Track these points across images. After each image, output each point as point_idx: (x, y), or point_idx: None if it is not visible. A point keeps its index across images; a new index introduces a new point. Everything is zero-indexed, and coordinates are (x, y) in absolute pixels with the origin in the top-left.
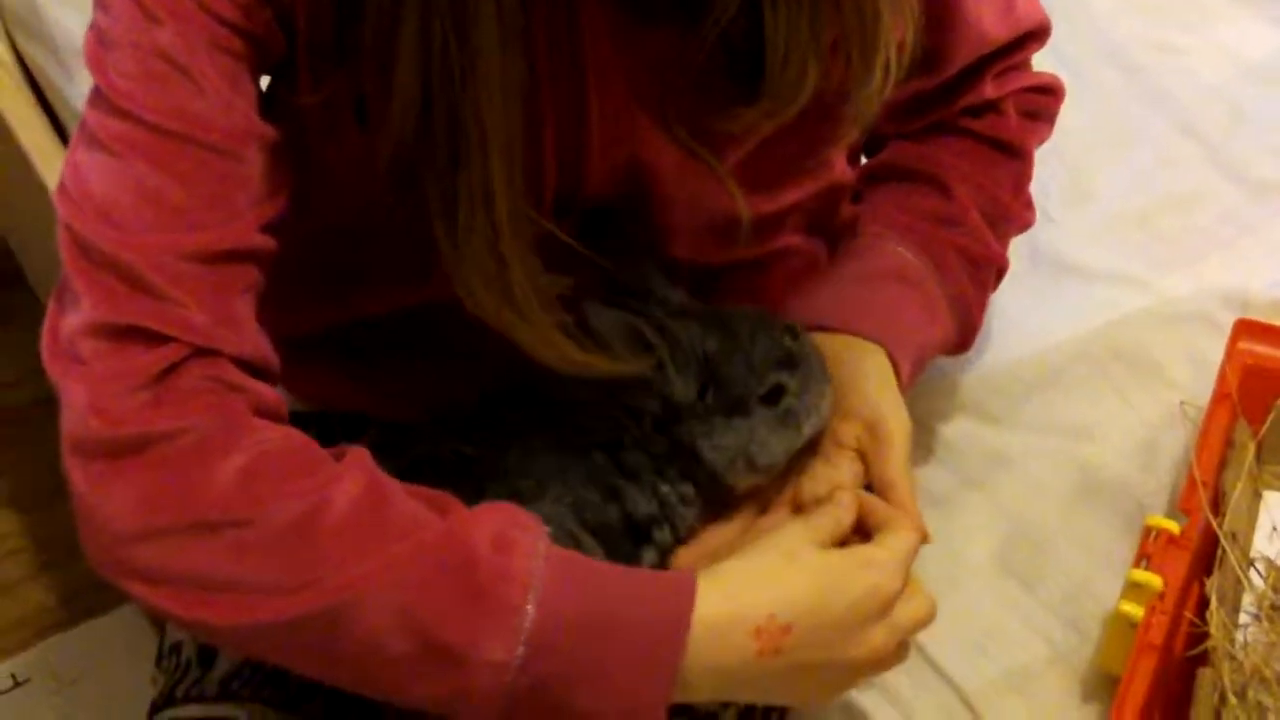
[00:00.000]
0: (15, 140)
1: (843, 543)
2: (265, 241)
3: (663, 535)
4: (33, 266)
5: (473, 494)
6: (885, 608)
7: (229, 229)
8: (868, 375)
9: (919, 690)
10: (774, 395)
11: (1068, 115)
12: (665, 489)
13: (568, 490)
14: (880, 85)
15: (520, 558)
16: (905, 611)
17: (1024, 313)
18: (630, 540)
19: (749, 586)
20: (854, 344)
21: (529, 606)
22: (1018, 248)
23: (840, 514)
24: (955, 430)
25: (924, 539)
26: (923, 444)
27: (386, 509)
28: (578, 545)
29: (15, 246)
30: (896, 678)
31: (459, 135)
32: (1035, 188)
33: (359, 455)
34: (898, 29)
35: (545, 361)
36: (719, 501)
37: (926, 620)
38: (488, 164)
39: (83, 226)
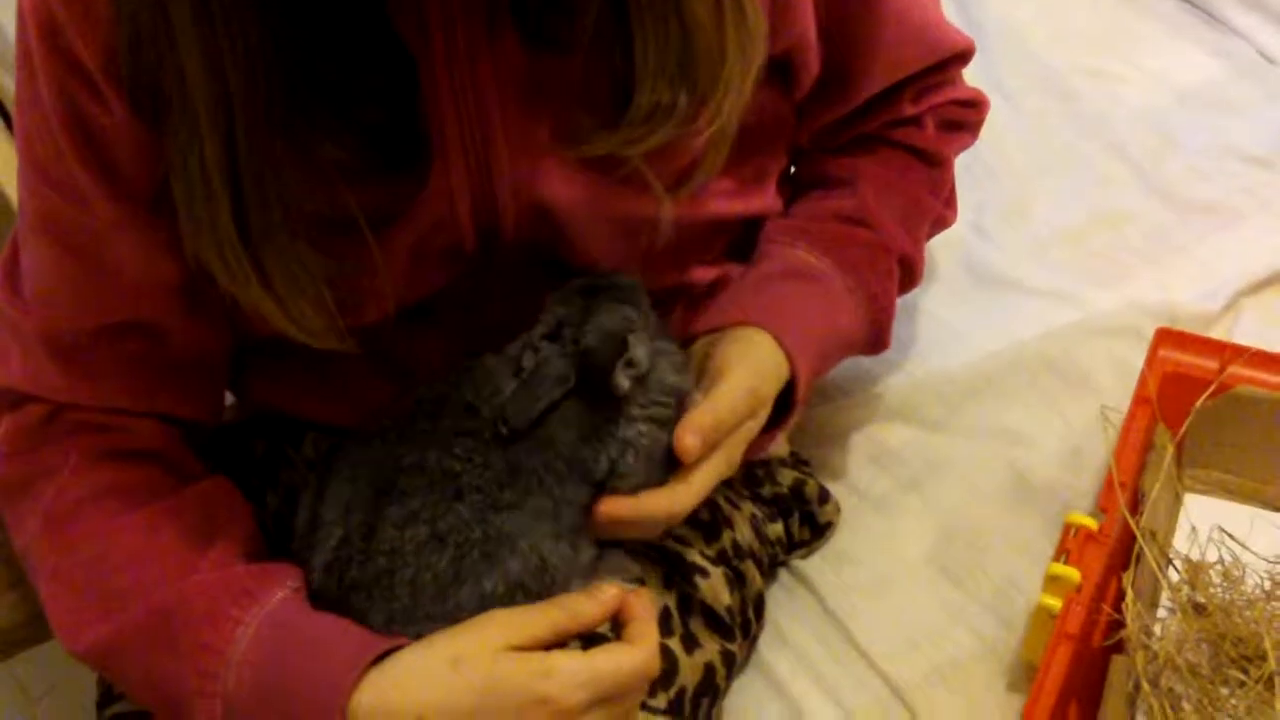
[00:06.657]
0: None
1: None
2: (152, 310)
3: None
4: None
5: (453, 502)
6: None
7: (108, 305)
8: (736, 341)
9: (854, 684)
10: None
11: (1005, 139)
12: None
13: (546, 496)
14: (708, 121)
15: (228, 628)
16: None
17: (962, 324)
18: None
19: (406, 685)
20: (735, 332)
21: (226, 675)
22: (957, 264)
23: (583, 607)
24: (895, 436)
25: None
26: (864, 449)
27: (145, 566)
28: (545, 561)
29: None
30: (833, 671)
31: (176, 90)
32: (973, 207)
33: (190, 497)
34: (737, 74)
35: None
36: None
37: None
38: (197, 119)
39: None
